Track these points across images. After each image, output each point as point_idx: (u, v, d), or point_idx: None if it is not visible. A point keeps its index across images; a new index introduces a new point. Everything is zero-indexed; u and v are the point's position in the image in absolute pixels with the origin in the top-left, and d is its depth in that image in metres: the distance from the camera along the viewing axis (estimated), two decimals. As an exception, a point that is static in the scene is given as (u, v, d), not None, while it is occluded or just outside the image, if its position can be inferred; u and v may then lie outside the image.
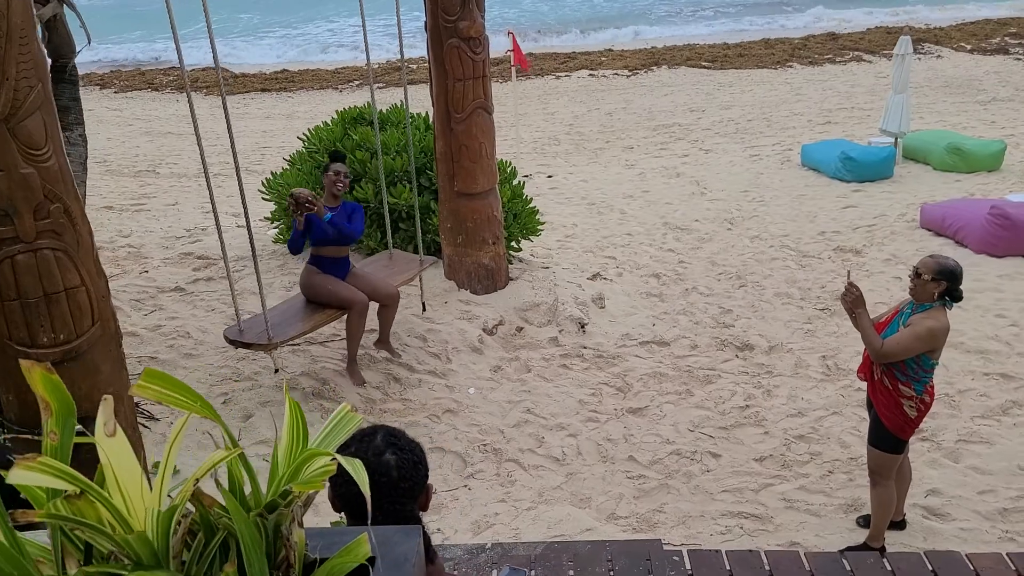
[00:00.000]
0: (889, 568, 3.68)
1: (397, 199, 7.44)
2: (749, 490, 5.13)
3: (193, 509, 1.18)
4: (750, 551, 3.80)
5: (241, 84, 25.12)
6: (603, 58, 25.10)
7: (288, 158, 8.60)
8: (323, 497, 1.91)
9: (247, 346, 5.36)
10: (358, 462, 1.18)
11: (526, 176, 13.57)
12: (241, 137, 19.00)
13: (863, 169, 11.91)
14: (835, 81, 20.31)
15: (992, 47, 23.34)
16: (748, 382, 6.42)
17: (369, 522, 1.21)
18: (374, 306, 6.13)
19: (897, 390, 4.28)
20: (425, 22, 6.63)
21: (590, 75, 22.83)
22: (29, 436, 3.66)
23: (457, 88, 6.56)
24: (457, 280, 7.19)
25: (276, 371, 5.94)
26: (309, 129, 8.61)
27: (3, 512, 1.09)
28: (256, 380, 5.98)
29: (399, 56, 6.15)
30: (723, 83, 20.93)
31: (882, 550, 4.56)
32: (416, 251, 7.76)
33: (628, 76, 22.42)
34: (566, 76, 22.94)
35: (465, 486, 5.18)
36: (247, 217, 5.41)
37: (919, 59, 22.29)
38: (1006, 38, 24.23)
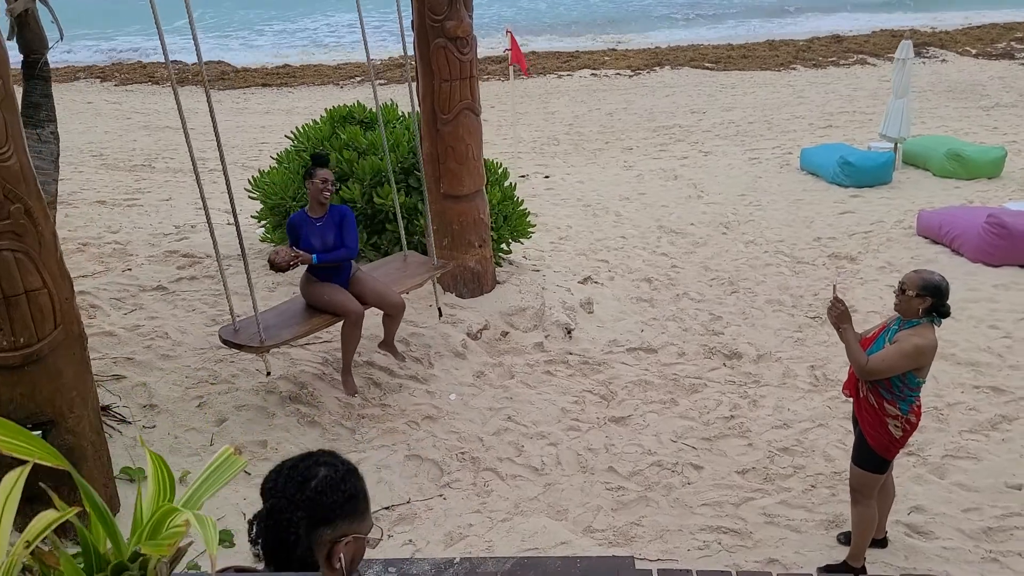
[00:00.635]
0: (864, 591, 3.58)
1: (384, 200, 7.34)
2: (730, 504, 5.03)
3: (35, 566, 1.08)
4: (721, 572, 3.70)
5: (242, 79, 25.05)
6: (606, 57, 24.98)
7: (276, 156, 8.50)
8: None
9: (239, 347, 5.29)
10: (209, 520, 1.08)
11: (523, 176, 13.49)
12: (239, 132, 18.99)
13: (861, 174, 11.78)
14: (838, 84, 20.17)
15: (998, 52, 23.17)
16: (734, 392, 6.32)
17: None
18: (373, 311, 6.05)
19: (883, 409, 4.18)
20: (412, 21, 6.53)
21: (592, 75, 22.71)
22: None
23: (444, 88, 6.46)
24: (443, 283, 7.10)
25: (268, 374, 5.84)
26: (297, 127, 8.52)
27: None
28: (233, 383, 5.89)
29: (402, 53, 6.01)
30: (725, 84, 20.79)
31: (862, 570, 4.47)
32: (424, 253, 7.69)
33: (631, 76, 22.30)
34: (568, 75, 22.82)
35: (440, 495, 5.09)
36: (235, 216, 5.33)
37: (923, 63, 22.15)
38: (1012, 43, 24.05)
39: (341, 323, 5.73)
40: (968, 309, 7.62)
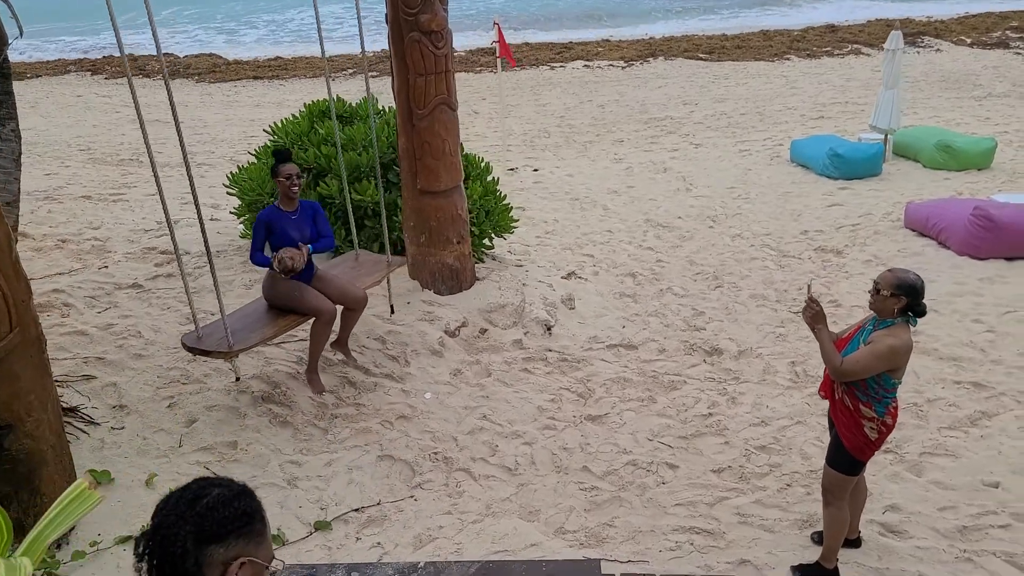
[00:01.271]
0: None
1: (363, 196, 7.26)
2: (703, 504, 4.97)
3: None
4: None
5: (233, 71, 24.93)
6: (599, 48, 24.87)
7: (254, 152, 8.42)
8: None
9: (206, 354, 5.16)
10: (21, 566, 1.02)
11: (511, 170, 13.42)
12: (229, 126, 18.89)
13: (850, 166, 11.71)
14: (831, 75, 20.07)
15: (993, 41, 23.05)
16: (713, 389, 6.26)
17: None
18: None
19: (858, 411, 4.11)
20: (386, 15, 6.44)
21: (585, 66, 22.60)
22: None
23: (419, 83, 6.37)
24: (421, 280, 7.03)
25: (237, 379, 5.75)
26: (275, 122, 8.44)
27: None
28: (205, 383, 5.82)
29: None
30: (719, 75, 20.71)
31: (835, 571, 4.41)
32: (383, 250, 7.61)
33: (623, 68, 22.19)
34: (561, 67, 22.72)
35: (411, 497, 5.03)
36: (199, 213, 5.25)
37: (918, 52, 22.06)
38: (1007, 32, 23.93)
39: (310, 322, 5.65)
40: (953, 303, 7.56)
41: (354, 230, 6.50)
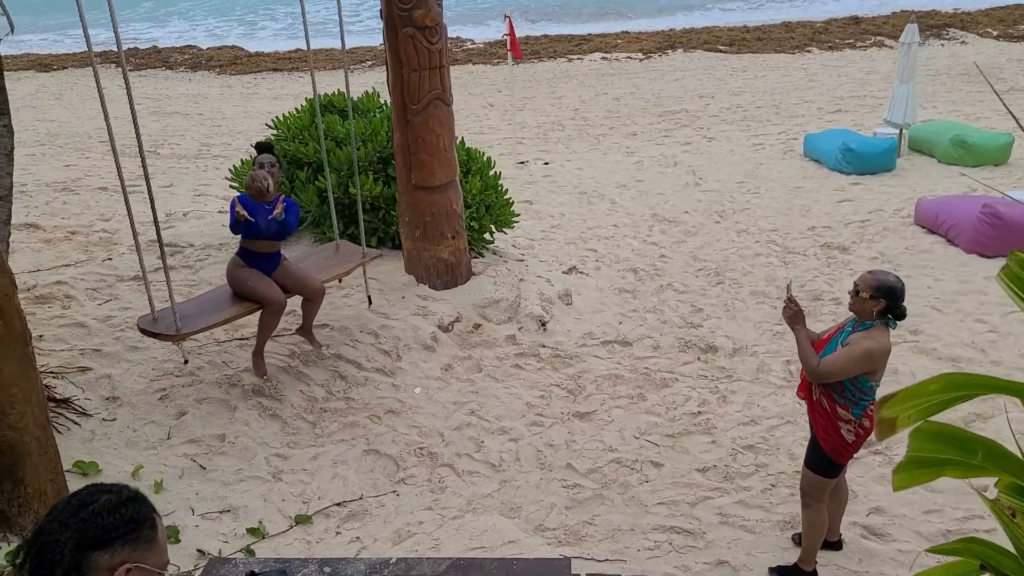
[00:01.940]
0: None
1: (361, 190, 7.29)
2: (685, 503, 4.95)
3: None
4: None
5: (254, 63, 25.07)
6: (618, 40, 24.72)
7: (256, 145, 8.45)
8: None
9: (156, 335, 5.33)
10: None
11: (522, 163, 13.40)
12: (247, 119, 19.00)
13: (863, 161, 11.57)
14: (852, 67, 19.82)
15: (1020, 33, 22.63)
16: (705, 387, 6.23)
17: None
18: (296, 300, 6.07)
19: (835, 412, 4.08)
20: (380, 10, 6.44)
21: (603, 58, 22.49)
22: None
23: (413, 79, 6.38)
24: (416, 275, 7.05)
25: (185, 362, 5.92)
26: (277, 116, 8.49)
27: None
28: (198, 376, 5.89)
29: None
30: (737, 68, 20.52)
31: (813, 573, 4.39)
32: (380, 244, 7.65)
33: (641, 60, 22.05)
34: (578, 59, 22.62)
35: (394, 492, 5.06)
36: (151, 201, 5.38)
37: (942, 45, 21.73)
38: (1035, 24, 23.50)
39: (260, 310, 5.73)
40: (956, 302, 7.46)
41: (335, 221, 6.53)
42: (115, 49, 24.62)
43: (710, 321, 7.34)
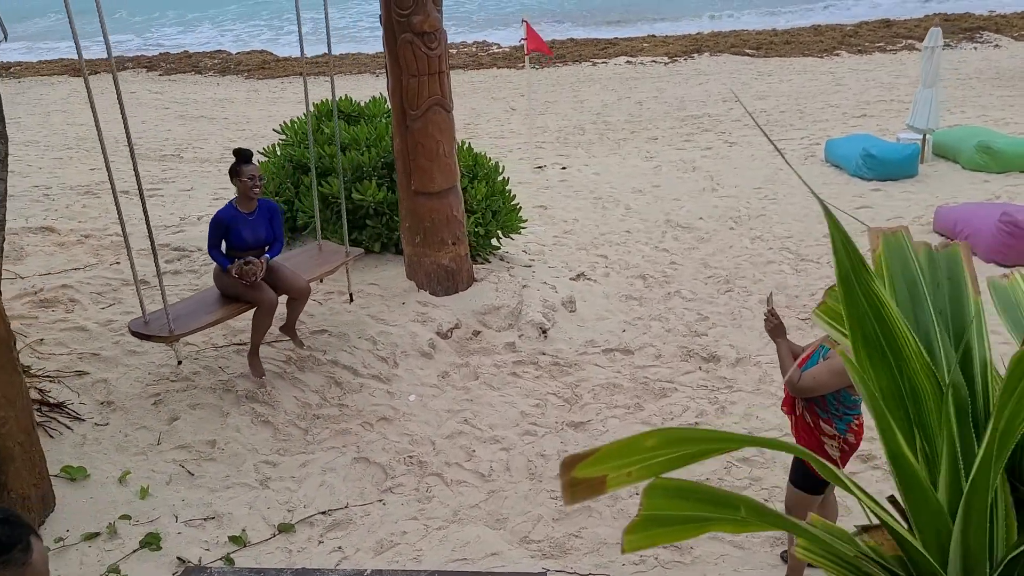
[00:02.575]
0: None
1: (363, 195, 7.28)
2: (675, 517, 4.85)
3: None
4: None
5: (282, 68, 25.29)
6: (645, 44, 24.60)
7: (264, 150, 8.50)
8: None
9: (149, 338, 5.34)
10: None
11: (539, 167, 13.35)
12: (271, 122, 19.11)
13: (884, 167, 11.36)
14: (880, 71, 19.51)
15: (1056, 36, 22.17)
16: (704, 397, 6.12)
17: None
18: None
19: (819, 427, 3.97)
20: (380, 16, 6.43)
21: (628, 62, 22.38)
22: None
23: (412, 84, 6.35)
24: (417, 281, 7.02)
25: (179, 363, 5.94)
26: (284, 122, 8.52)
27: None
28: (192, 381, 5.90)
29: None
30: (763, 72, 20.30)
31: (800, 591, 4.28)
32: (384, 249, 7.64)
33: (666, 64, 21.91)
34: (603, 63, 22.53)
35: (380, 500, 5.02)
36: (143, 204, 5.40)
37: (975, 48, 21.32)
38: (1072, 26, 22.99)
39: (253, 310, 5.71)
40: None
41: (318, 223, 6.53)
42: (146, 54, 24.79)
43: (715, 330, 7.23)
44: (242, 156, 5.67)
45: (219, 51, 28.75)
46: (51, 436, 5.21)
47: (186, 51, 28.60)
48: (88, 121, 19.39)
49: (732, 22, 27.99)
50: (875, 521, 1.38)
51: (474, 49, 25.90)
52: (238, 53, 28.27)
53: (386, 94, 7.46)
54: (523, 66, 21.74)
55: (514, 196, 8.49)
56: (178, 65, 26.52)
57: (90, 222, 10.49)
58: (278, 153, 8.08)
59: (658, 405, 6.03)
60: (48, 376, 5.79)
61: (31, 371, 5.77)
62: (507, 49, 25.09)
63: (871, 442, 5.49)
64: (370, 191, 7.28)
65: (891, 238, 1.39)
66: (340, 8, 35.49)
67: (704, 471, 5.27)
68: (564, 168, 13.35)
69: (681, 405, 6.00)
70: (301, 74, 24.33)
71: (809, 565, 4.33)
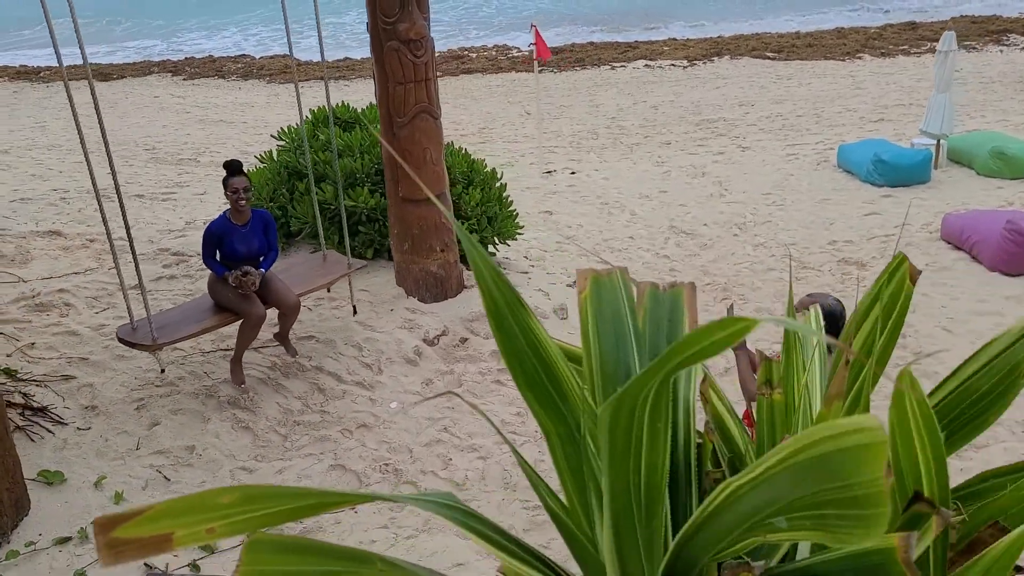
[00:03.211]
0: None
1: (356, 202, 7.31)
2: (646, 529, 4.81)
3: None
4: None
5: (303, 72, 25.45)
6: (664, 47, 24.47)
7: (260, 156, 8.57)
8: None
9: (133, 345, 5.40)
10: None
11: (548, 172, 13.33)
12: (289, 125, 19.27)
13: (895, 173, 11.20)
14: (902, 75, 19.24)
15: (1086, 38, 21.72)
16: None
17: None
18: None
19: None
20: (368, 23, 6.45)
21: (646, 66, 22.27)
22: None
23: (398, 92, 6.36)
24: (406, 287, 7.03)
25: (162, 371, 5.98)
26: (281, 127, 8.57)
27: None
28: (177, 387, 5.95)
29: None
30: (782, 75, 20.10)
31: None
32: (377, 255, 7.66)
33: (684, 68, 21.77)
34: (622, 67, 22.44)
35: (352, 508, 5.03)
36: (122, 209, 5.43)
37: (1000, 51, 20.96)
38: (1103, 28, 22.52)
39: (240, 321, 5.74)
40: (970, 323, 7.15)
41: (321, 233, 6.55)
42: (171, 59, 25.14)
43: (707, 338, 7.15)
44: (229, 168, 5.70)
45: (242, 55, 29.03)
46: (32, 440, 5.28)
47: (210, 55, 28.91)
48: (111, 126, 19.62)
49: (755, 25, 27.75)
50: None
51: (493, 52, 25.93)
52: (261, 57, 28.53)
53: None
54: (540, 70, 21.75)
55: (511, 202, 8.48)
56: (202, 69, 26.81)
57: (97, 226, 10.61)
58: (275, 159, 8.13)
59: (641, 415, 5.97)
60: (35, 380, 5.86)
61: (18, 375, 5.85)
62: (526, 52, 25.06)
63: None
64: (362, 197, 7.30)
65: (601, 279, 1.35)
66: (361, 12, 35.77)
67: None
68: (573, 173, 13.31)
69: (664, 415, 5.94)
70: (321, 78, 24.49)
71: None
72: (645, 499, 1.13)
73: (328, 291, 6.93)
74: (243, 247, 5.60)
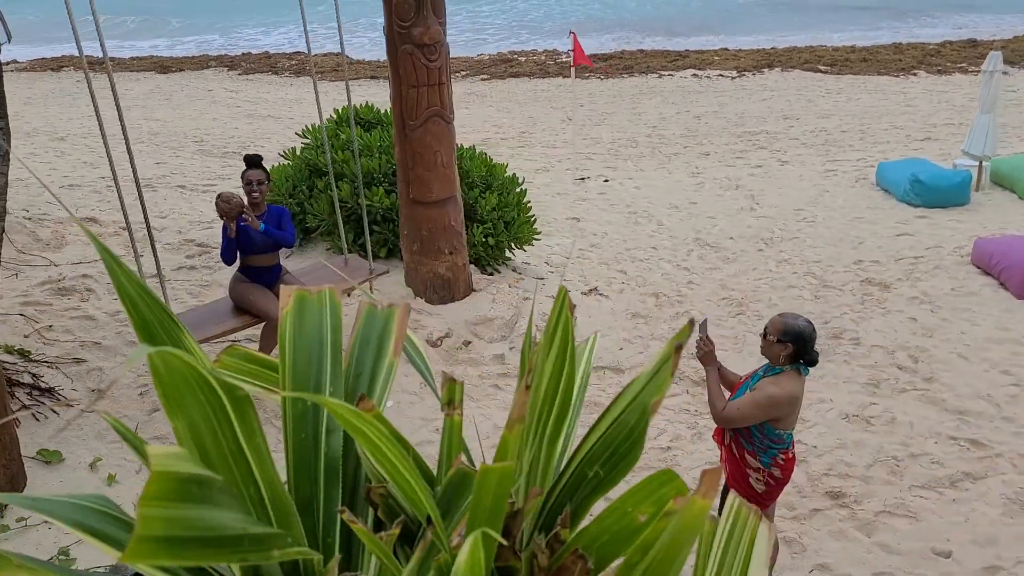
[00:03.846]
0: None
1: (371, 201, 7.41)
2: (623, 541, 4.80)
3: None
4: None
5: (354, 71, 25.81)
6: (715, 57, 24.26)
7: (283, 153, 8.73)
8: None
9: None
10: None
11: (581, 179, 13.32)
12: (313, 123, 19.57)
13: (932, 194, 10.96)
14: (956, 93, 18.80)
15: None
16: (684, 422, 6.03)
17: None
18: None
19: (744, 460, 3.90)
20: (383, 26, 6.54)
21: (694, 75, 22.11)
22: None
23: (411, 95, 6.44)
24: (414, 288, 7.10)
25: None
26: (307, 126, 8.72)
27: None
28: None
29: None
30: (831, 89, 19.78)
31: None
32: (392, 254, 7.75)
33: (733, 78, 21.56)
34: (669, 75, 22.30)
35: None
36: (141, 200, 5.55)
37: (1062, 72, 20.36)
38: None
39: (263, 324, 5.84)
40: (986, 351, 6.97)
41: (343, 235, 6.65)
42: (229, 54, 25.58)
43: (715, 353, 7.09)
44: (248, 160, 5.83)
45: (297, 52, 29.52)
46: (37, 420, 5.46)
47: (266, 52, 29.47)
48: (164, 117, 20.18)
49: (810, 36, 27.34)
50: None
51: (543, 57, 25.97)
52: (314, 55, 28.99)
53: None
54: (587, 76, 21.71)
55: (530, 208, 8.51)
56: (257, 65, 27.34)
57: (135, 214, 10.88)
58: (298, 155, 8.28)
59: (635, 426, 5.95)
60: (47, 362, 6.06)
61: (31, 355, 6.06)
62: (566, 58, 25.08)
63: (845, 479, 5.34)
64: (378, 197, 7.40)
65: (306, 296, 1.38)
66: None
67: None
68: (607, 181, 13.28)
69: (657, 428, 5.93)
70: (372, 77, 24.79)
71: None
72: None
73: (348, 295, 7.02)
74: (259, 236, 5.71)
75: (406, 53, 6.34)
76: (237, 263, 5.92)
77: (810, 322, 3.80)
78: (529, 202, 8.55)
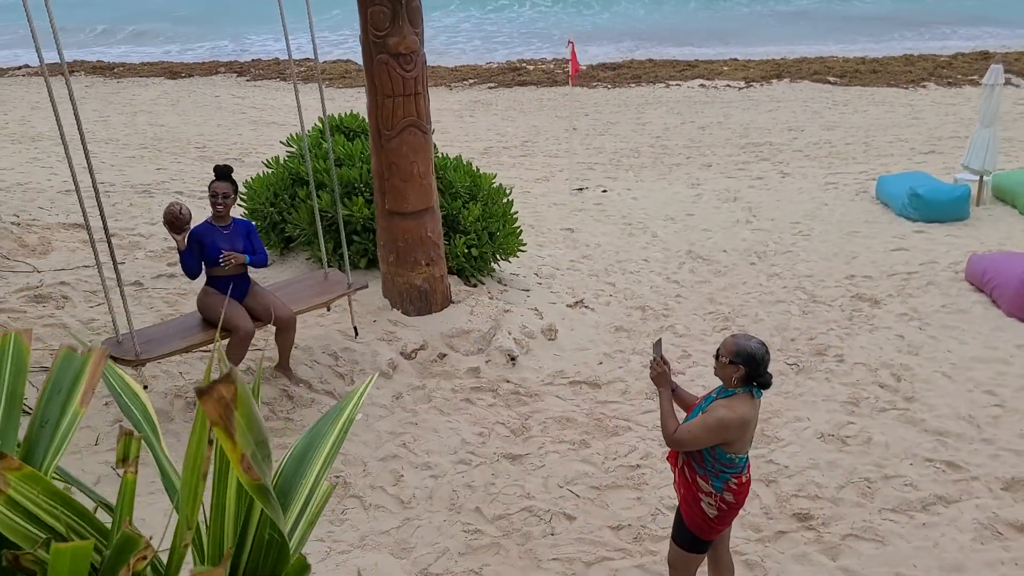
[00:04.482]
0: None
1: (351, 211, 7.36)
2: (581, 562, 4.70)
3: None
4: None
5: (361, 78, 25.85)
6: (724, 67, 24.14)
7: (267, 162, 8.70)
8: None
9: (116, 360, 5.43)
10: None
11: (579, 189, 13.24)
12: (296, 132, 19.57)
13: (930, 208, 10.80)
14: (964, 106, 18.60)
15: None
16: (657, 438, 5.91)
17: None
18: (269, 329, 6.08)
19: (696, 483, 3.79)
20: (360, 35, 6.49)
21: (701, 85, 22.00)
22: None
23: (386, 105, 6.39)
24: (391, 299, 7.04)
25: (145, 387, 6.02)
26: (291, 134, 8.69)
27: None
28: (150, 385, 6.05)
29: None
30: (838, 101, 19.62)
31: (684, 653, 4.07)
32: (371, 265, 7.69)
33: (740, 89, 21.44)
34: (676, 85, 22.21)
35: (294, 518, 5.03)
36: (99, 206, 5.51)
37: (1074, 85, 20.12)
38: None
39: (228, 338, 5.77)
40: (971, 370, 6.83)
41: (323, 250, 6.60)
42: (239, 59, 25.71)
43: (694, 369, 6.99)
44: (217, 172, 5.78)
45: (306, 59, 29.61)
46: (-1, 428, 5.42)
47: (276, 58, 29.56)
48: (169, 122, 20.25)
49: (822, 47, 27.17)
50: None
51: (551, 66, 25.92)
52: (323, 62, 29.05)
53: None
54: (594, 86, 21.64)
55: (516, 219, 8.44)
56: (266, 72, 27.43)
57: (124, 221, 10.92)
58: (281, 164, 8.25)
59: (605, 443, 5.87)
60: (15, 369, 6.03)
61: (-1, 364, 6.03)
62: (584, 68, 25.02)
63: (815, 500, 5.22)
64: (358, 207, 7.34)
65: None
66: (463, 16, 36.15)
67: (630, 516, 5.10)
68: (604, 191, 13.20)
69: (629, 445, 5.82)
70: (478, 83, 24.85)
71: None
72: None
73: (328, 309, 6.97)
74: (226, 245, 5.66)
75: (381, 63, 6.29)
76: (203, 276, 5.88)
77: (763, 344, 3.69)
78: (516, 213, 8.47)
